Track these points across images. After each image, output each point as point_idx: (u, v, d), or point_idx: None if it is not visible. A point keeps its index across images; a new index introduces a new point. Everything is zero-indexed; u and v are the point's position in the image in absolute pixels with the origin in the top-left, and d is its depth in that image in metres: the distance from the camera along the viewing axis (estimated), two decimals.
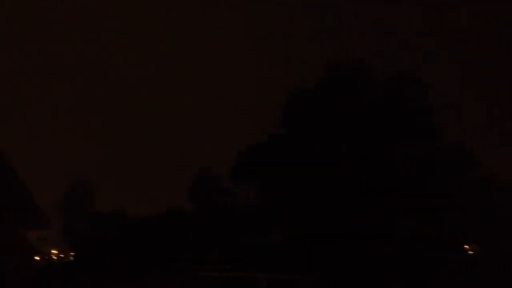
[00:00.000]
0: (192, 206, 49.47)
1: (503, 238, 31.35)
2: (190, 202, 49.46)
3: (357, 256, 26.71)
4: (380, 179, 27.06)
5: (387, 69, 30.71)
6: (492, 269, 29.14)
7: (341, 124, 28.34)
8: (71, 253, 59.45)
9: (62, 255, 61.35)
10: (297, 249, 29.06)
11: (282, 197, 29.18)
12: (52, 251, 58.86)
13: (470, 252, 37.70)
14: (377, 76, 30.25)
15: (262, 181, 31.17)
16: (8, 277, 16.59)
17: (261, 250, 35.81)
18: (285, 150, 29.27)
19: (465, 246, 36.73)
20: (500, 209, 29.83)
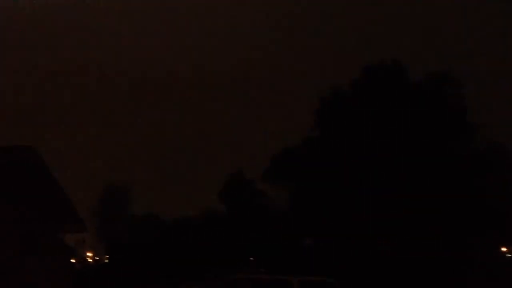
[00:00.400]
0: (224, 208, 49.67)
1: None
2: (222, 204, 49.68)
3: (396, 260, 26.41)
4: (417, 181, 26.72)
5: (421, 69, 30.40)
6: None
7: (376, 126, 28.08)
8: (106, 256, 60.24)
9: (97, 258, 62.08)
10: (330, 252, 28.91)
11: (315, 200, 29.03)
12: (88, 254, 59.67)
13: (508, 254, 36.92)
14: (412, 77, 29.92)
15: (295, 183, 31.09)
16: (45, 279, 16.93)
17: (294, 252, 35.69)
18: (319, 153, 29.10)
19: (502, 248, 36.01)
20: None
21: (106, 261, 58.64)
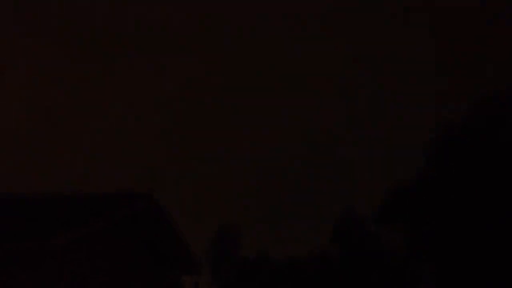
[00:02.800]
0: (336, 247, 48.74)
1: None
2: (334, 243, 48.77)
3: None
4: None
5: None
6: None
7: (495, 162, 26.39)
8: None
9: None
10: None
11: (433, 245, 27.54)
12: None
13: None
14: None
15: (410, 224, 29.80)
16: None
17: None
18: (436, 191, 27.72)
19: None
20: None
21: None
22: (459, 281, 26.95)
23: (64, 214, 13.46)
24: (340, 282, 43.52)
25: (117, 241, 14.50)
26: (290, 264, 50.73)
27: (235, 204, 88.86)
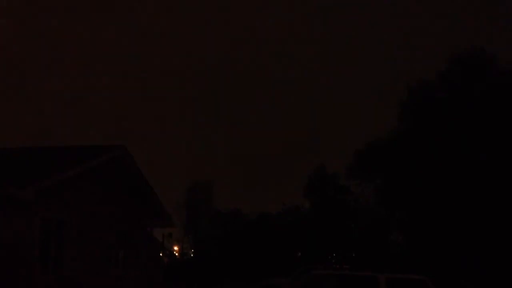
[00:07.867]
0: (308, 203, 49.56)
1: None
2: (306, 199, 49.55)
3: (490, 259, 25.20)
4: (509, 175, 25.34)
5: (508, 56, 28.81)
6: None
7: (466, 119, 26.91)
8: (192, 250, 61.86)
9: (185, 252, 63.52)
10: (420, 249, 28.14)
11: (403, 196, 28.24)
12: (175, 247, 61.40)
13: None
14: (501, 65, 28.51)
15: (381, 179, 30.42)
16: (137, 271, 17.60)
17: (381, 249, 35.08)
18: (406, 147, 28.20)
19: None
20: None
21: (192, 255, 60.30)
22: (425, 228, 27.82)
23: (40, 163, 13.53)
24: (311, 231, 44.42)
25: (91, 192, 14.62)
26: (263, 217, 51.46)
27: (210, 162, 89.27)
